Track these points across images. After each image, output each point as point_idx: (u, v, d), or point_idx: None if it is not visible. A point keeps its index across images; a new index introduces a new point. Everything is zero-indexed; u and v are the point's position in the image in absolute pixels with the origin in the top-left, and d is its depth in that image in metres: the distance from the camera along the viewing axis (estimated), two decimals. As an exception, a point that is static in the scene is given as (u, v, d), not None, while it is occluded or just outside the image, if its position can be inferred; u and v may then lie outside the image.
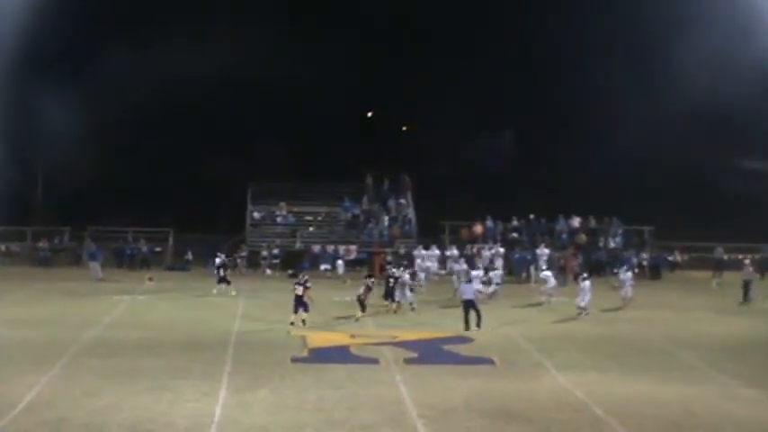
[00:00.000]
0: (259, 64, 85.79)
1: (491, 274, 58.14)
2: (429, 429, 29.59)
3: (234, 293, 59.67)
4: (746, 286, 53.49)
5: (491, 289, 56.72)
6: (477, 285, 52.87)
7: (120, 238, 75.96)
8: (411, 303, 53.64)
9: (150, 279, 62.32)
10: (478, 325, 46.87)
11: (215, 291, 60.35)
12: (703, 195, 77.39)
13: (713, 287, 65.07)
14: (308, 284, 48.19)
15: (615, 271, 69.12)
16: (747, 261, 56.41)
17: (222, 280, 60.90)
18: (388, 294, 53.50)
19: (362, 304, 49.99)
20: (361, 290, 50.83)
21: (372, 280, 53.97)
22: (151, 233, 76.36)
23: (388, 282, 53.58)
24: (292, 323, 46.79)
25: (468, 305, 47.15)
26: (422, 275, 60.46)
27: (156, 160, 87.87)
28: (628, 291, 50.26)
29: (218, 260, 62.67)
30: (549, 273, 58.74)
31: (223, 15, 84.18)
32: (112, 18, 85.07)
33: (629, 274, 51.41)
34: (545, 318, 49.84)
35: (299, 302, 47.56)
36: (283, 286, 57.66)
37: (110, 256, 73.33)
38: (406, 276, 56.23)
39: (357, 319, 49.25)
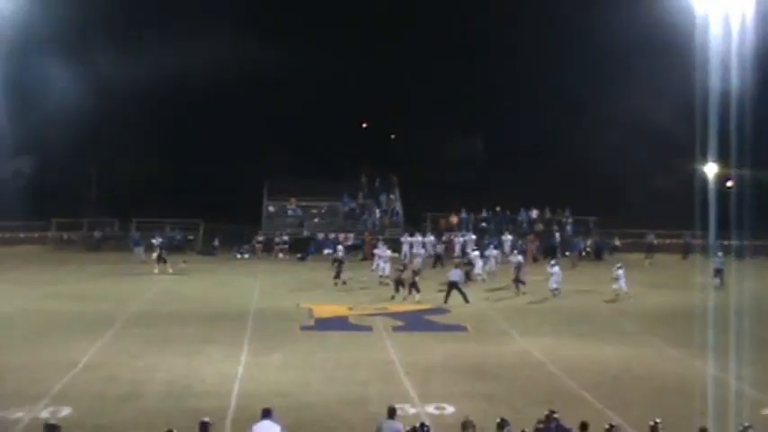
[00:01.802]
0: (276, 81, 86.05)
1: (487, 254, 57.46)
2: (413, 384, 29.83)
3: (170, 271, 58.00)
4: (719, 273, 52.36)
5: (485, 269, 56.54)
6: (477, 270, 54.21)
7: (159, 228, 75.70)
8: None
9: (184, 262, 61.90)
10: (466, 301, 46.59)
11: (156, 270, 58.20)
12: (636, 191, 77.45)
13: (646, 266, 65.13)
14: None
15: (567, 254, 69.35)
16: (720, 253, 55.38)
17: (160, 259, 59.09)
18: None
19: (403, 284, 48.53)
20: (403, 273, 49.66)
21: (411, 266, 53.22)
22: (185, 223, 76.14)
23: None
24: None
25: (452, 285, 46.93)
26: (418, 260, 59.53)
27: (189, 161, 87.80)
28: (622, 285, 49.39)
29: (155, 241, 61.58)
30: (476, 254, 58.78)
31: (241, 29, 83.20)
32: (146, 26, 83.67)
33: (622, 271, 50.26)
34: (510, 294, 49.54)
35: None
36: (293, 267, 57.73)
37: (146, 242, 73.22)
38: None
39: (395, 297, 48.11)
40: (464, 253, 65.67)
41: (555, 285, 49.87)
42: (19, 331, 38.69)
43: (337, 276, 53.51)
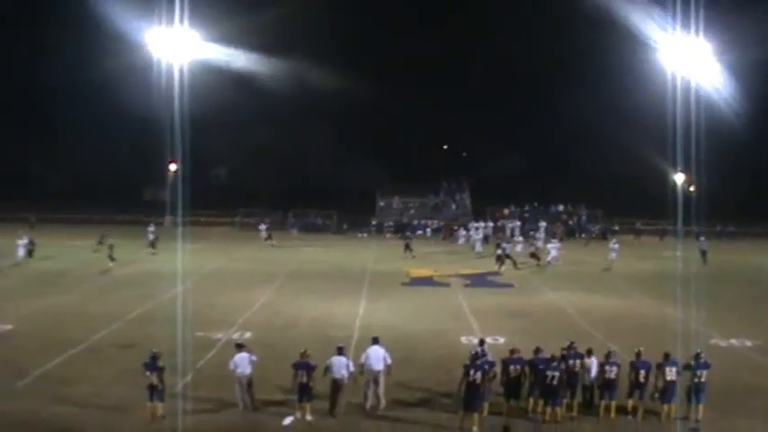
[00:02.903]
0: (389, 115, 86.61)
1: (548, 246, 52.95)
2: (476, 321, 29.97)
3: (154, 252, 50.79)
4: (703, 254, 50.38)
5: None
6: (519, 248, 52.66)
7: (308, 215, 76.29)
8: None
9: (273, 245, 59.86)
10: (516, 267, 46.44)
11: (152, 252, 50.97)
12: (629, 192, 76.72)
13: (635, 243, 64.38)
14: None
15: (583, 236, 68.88)
16: (702, 238, 53.64)
17: (152, 245, 52.01)
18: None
19: (538, 257, 48.34)
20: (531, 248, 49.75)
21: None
22: (324, 212, 76.59)
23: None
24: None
25: (504, 257, 46.56)
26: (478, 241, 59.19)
27: (331, 169, 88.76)
28: (613, 257, 48.81)
29: (150, 228, 53.72)
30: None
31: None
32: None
33: (617, 245, 49.91)
34: (543, 263, 49.32)
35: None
36: (396, 243, 57.74)
37: (302, 226, 73.75)
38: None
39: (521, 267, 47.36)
40: (512, 235, 65.48)
41: (549, 258, 48.96)
42: (218, 282, 39.61)
43: (408, 249, 52.42)
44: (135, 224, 65.13)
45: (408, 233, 61.13)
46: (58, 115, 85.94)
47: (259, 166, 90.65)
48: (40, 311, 30.94)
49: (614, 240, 52.02)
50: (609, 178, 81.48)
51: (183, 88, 46.77)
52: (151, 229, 54.31)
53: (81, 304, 32.75)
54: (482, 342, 21.38)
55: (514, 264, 46.79)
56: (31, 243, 45.95)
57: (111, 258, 43.82)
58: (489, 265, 47.22)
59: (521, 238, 59.30)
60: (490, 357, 20.24)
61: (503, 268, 45.62)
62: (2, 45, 79.75)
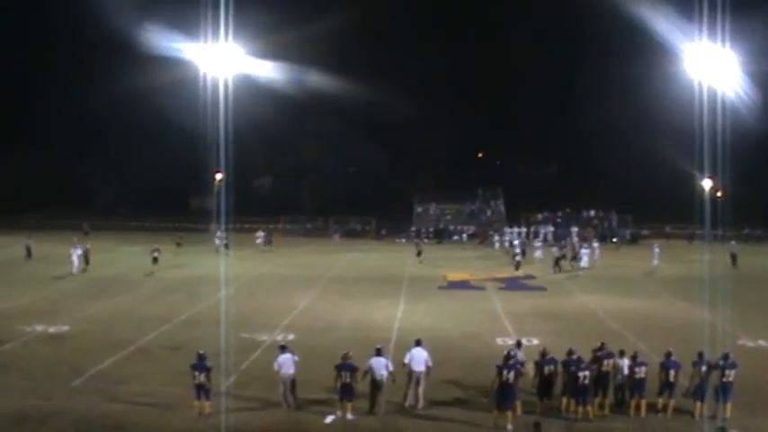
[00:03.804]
0: (424, 125, 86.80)
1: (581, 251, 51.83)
2: (510, 323, 29.91)
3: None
4: (733, 257, 49.87)
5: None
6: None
7: (349, 221, 76.57)
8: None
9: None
10: (559, 270, 46.75)
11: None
12: (658, 197, 75.92)
13: (665, 247, 63.70)
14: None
15: (613, 240, 68.41)
16: (733, 242, 52.98)
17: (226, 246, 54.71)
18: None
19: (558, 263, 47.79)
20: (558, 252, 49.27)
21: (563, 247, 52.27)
22: (362, 219, 76.77)
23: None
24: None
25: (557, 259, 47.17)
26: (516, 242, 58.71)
27: (370, 177, 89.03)
28: (655, 261, 48.88)
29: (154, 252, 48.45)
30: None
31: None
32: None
33: (658, 250, 50.30)
34: (574, 267, 49.03)
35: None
36: (433, 248, 57.79)
37: (343, 232, 74.02)
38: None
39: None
40: (546, 240, 65.25)
41: (582, 264, 48.77)
42: (263, 286, 39.89)
43: (419, 254, 52.72)
44: (182, 231, 65.70)
45: (417, 239, 60.98)
46: (111, 129, 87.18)
47: (301, 176, 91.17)
48: (94, 314, 31.42)
49: (656, 245, 51.60)
50: (638, 184, 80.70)
51: (228, 101, 47.07)
52: (221, 234, 56.63)
53: (132, 307, 33.17)
54: (519, 344, 21.49)
55: (559, 268, 47.01)
56: (86, 250, 46.54)
57: (155, 260, 45.75)
58: (524, 269, 47.15)
59: (539, 243, 58.47)
60: (520, 357, 20.26)
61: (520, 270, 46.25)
62: (59, 65, 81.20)
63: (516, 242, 57.23)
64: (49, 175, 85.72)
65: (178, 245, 55.23)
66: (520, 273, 46.09)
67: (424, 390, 19.78)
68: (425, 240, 70.40)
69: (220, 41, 48.77)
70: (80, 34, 76.22)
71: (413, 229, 73.97)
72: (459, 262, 52.14)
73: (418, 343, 20.33)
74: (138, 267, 46.35)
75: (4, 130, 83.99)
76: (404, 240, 70.41)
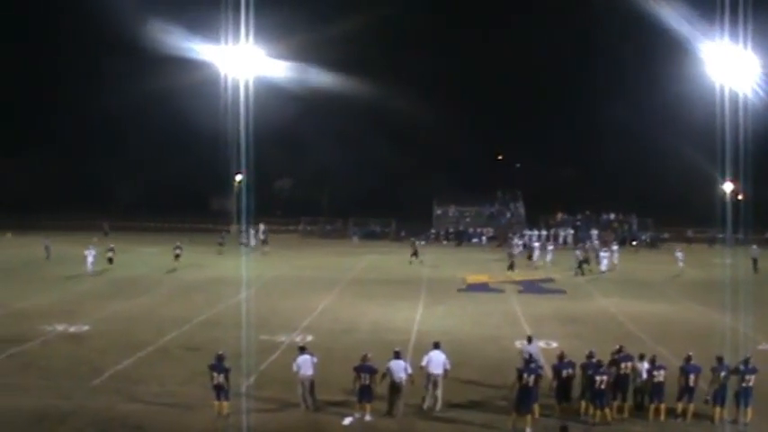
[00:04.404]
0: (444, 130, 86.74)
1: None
2: (530, 326, 29.77)
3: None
4: (755, 262, 49.43)
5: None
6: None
7: (368, 223, 76.62)
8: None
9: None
10: (582, 274, 46.51)
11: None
12: (679, 201, 75.67)
13: (686, 251, 63.43)
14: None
15: (633, 243, 68.16)
16: (755, 246, 52.49)
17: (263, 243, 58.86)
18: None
19: (581, 265, 47.46)
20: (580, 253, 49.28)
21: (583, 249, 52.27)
22: (381, 221, 76.83)
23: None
24: None
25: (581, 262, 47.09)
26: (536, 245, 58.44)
27: (390, 179, 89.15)
28: (680, 264, 48.69)
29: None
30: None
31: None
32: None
33: (681, 254, 49.73)
34: (594, 270, 48.75)
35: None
36: (452, 250, 57.70)
37: (362, 234, 74.04)
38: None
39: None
40: (565, 243, 65.12)
41: (603, 268, 48.14)
42: (282, 288, 39.97)
43: (414, 255, 52.14)
44: (202, 232, 66.02)
45: (414, 239, 61.04)
46: (131, 130, 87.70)
47: (321, 177, 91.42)
48: (114, 314, 31.61)
49: (677, 250, 51.37)
50: (659, 187, 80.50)
51: (249, 102, 47.33)
52: (262, 228, 58.97)
53: (152, 308, 33.36)
54: (530, 339, 21.75)
55: (582, 271, 46.87)
56: (111, 250, 46.78)
57: (177, 256, 47.19)
58: (544, 271, 47.07)
59: (550, 247, 57.68)
60: (533, 352, 20.57)
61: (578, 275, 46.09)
62: (79, 66, 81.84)
63: (536, 244, 57.01)
64: (68, 175, 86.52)
65: (221, 244, 56.21)
66: (515, 272, 46.50)
67: (441, 392, 19.78)
68: (444, 242, 70.45)
69: (241, 43, 49.02)
70: (101, 36, 76.81)
71: (432, 231, 73.97)
72: (478, 264, 52.04)
73: (436, 346, 20.32)
74: (158, 268, 46.61)
75: (25, 132, 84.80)
76: (423, 242, 70.33)
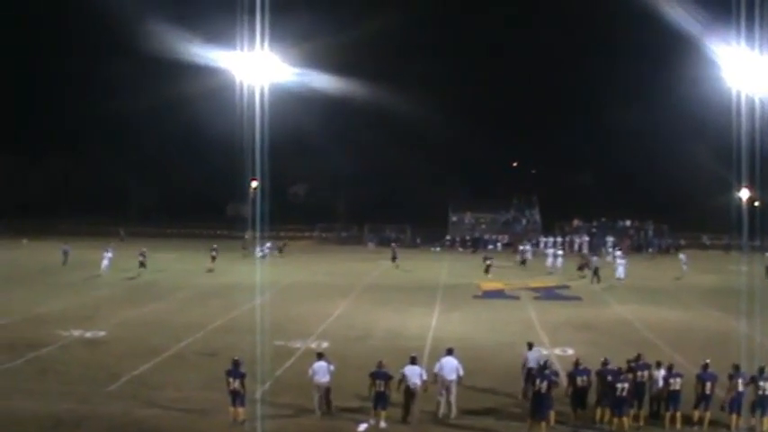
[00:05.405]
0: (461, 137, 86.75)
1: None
2: (546, 334, 29.78)
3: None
4: None
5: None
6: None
7: (383, 229, 76.64)
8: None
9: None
10: (593, 282, 46.13)
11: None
12: (695, 208, 75.44)
13: (702, 257, 63.17)
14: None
15: (650, 250, 67.94)
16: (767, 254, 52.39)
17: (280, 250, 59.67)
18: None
19: (596, 273, 46.92)
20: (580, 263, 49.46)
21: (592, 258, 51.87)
22: (397, 227, 76.80)
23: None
24: None
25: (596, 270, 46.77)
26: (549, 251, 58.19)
27: (405, 185, 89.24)
28: (684, 269, 49.06)
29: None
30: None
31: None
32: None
33: (684, 257, 50.25)
34: (608, 276, 48.46)
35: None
36: (468, 257, 57.53)
37: (378, 240, 74.10)
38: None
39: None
40: (580, 249, 64.94)
41: (618, 275, 47.41)
42: (297, 294, 40.08)
43: (393, 260, 53.52)
44: (217, 238, 66.19)
45: (394, 243, 60.73)
46: (148, 136, 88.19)
47: (336, 183, 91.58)
48: (130, 320, 31.79)
49: (681, 254, 51.21)
50: (675, 193, 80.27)
51: (264, 109, 47.43)
52: (269, 245, 59.34)
53: (168, 313, 33.53)
54: (530, 345, 21.85)
55: (598, 278, 46.56)
56: (143, 255, 47.08)
57: (213, 258, 50.67)
58: (560, 278, 46.98)
59: (560, 252, 57.37)
60: (534, 360, 20.69)
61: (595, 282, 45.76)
62: (96, 72, 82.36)
63: (550, 251, 56.82)
64: (85, 181, 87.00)
65: (244, 248, 57.68)
66: (490, 276, 47.33)
67: (455, 398, 19.79)
68: (460, 249, 70.39)
69: (256, 50, 49.14)
70: (118, 42, 77.33)
71: (447, 238, 73.92)
72: (493, 269, 51.99)
73: (449, 352, 20.35)
74: (175, 274, 46.85)
75: (42, 137, 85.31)
76: (438, 249, 70.35)
